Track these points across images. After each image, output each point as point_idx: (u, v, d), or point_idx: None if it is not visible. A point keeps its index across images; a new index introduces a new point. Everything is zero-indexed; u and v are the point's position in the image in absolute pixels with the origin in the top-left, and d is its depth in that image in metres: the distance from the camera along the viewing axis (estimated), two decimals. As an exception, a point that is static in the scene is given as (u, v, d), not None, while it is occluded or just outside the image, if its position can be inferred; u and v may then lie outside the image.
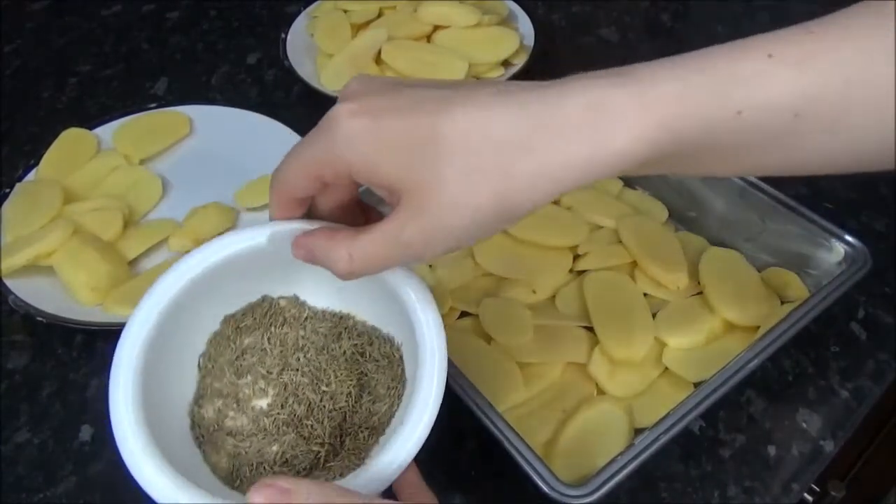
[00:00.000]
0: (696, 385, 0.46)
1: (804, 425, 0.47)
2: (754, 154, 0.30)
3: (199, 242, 0.57)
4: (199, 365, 0.38)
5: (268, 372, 0.38)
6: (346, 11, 0.75)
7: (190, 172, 0.65)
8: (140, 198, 0.61)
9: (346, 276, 0.31)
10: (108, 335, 0.53)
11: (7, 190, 0.60)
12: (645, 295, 0.51)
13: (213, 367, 0.38)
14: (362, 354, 0.39)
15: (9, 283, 0.52)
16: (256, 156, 0.64)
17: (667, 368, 0.47)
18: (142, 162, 0.65)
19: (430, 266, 0.53)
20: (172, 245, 0.57)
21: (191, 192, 0.62)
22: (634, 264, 0.53)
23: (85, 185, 0.61)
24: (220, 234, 0.59)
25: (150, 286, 0.37)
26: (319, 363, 0.38)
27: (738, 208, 0.53)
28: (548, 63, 0.74)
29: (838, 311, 0.53)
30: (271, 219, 0.35)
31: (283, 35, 0.75)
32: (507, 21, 0.75)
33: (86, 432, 0.48)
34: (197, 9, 0.87)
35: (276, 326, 0.39)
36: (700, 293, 0.51)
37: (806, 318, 0.44)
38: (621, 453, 0.39)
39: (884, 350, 0.51)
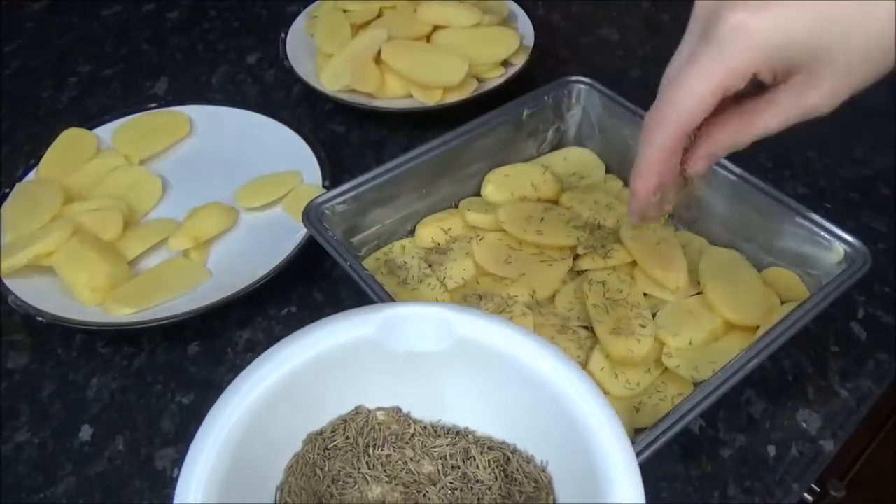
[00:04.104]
0: (696, 385, 0.46)
1: (804, 425, 0.47)
2: None
3: (198, 242, 0.57)
4: (276, 500, 0.30)
5: None
6: (346, 11, 0.75)
7: (190, 172, 0.65)
8: (140, 198, 0.61)
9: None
10: (108, 335, 0.53)
11: (7, 190, 0.60)
12: (645, 295, 0.51)
13: None
14: (506, 476, 0.30)
15: (9, 283, 0.52)
16: (256, 156, 0.64)
17: (667, 368, 0.48)
18: (142, 162, 0.65)
19: (430, 265, 0.53)
20: (172, 245, 0.57)
21: (191, 192, 0.62)
22: (634, 264, 0.53)
23: (85, 185, 0.61)
24: (220, 234, 0.60)
25: (225, 393, 0.29)
26: (435, 496, 0.30)
27: (738, 208, 0.53)
28: (548, 63, 0.74)
29: (838, 311, 0.53)
30: (647, 171, 0.37)
31: (282, 35, 0.74)
32: (507, 21, 0.75)
33: (86, 432, 0.48)
34: (197, 9, 0.87)
35: (375, 448, 0.31)
36: (700, 293, 0.51)
37: (806, 318, 0.44)
38: (621, 453, 0.38)
39: (884, 350, 0.51)
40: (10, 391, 0.51)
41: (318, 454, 0.31)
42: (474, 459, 0.30)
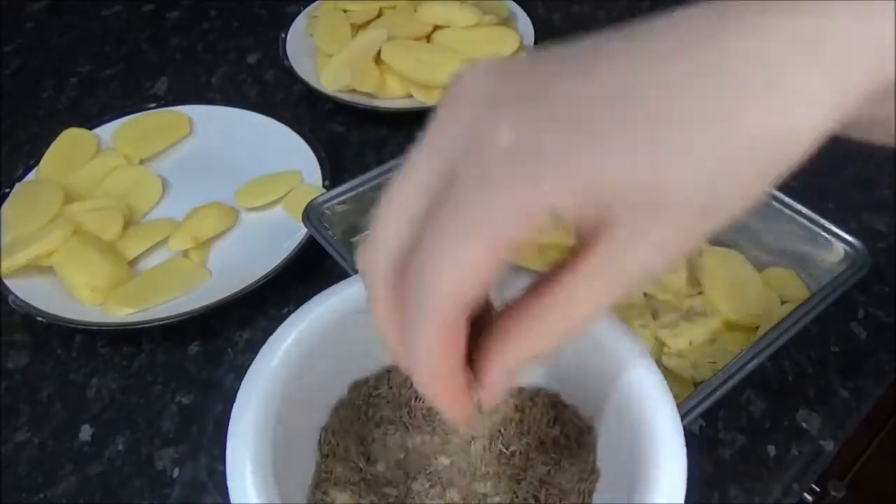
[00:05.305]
0: (696, 385, 0.46)
1: (804, 425, 0.47)
2: None
3: (198, 242, 0.57)
4: (319, 440, 0.32)
5: (406, 457, 0.31)
6: (346, 11, 0.75)
7: (190, 172, 0.65)
8: (140, 198, 0.61)
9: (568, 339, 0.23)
10: (108, 335, 0.53)
11: (7, 190, 0.60)
12: (645, 295, 0.51)
13: (337, 445, 0.31)
14: (554, 423, 0.31)
15: (9, 283, 0.52)
16: (256, 156, 0.64)
17: (667, 368, 0.47)
18: (142, 162, 0.65)
19: (430, 266, 0.53)
20: (172, 245, 0.57)
21: (191, 192, 0.62)
22: (634, 264, 0.53)
23: (85, 185, 0.61)
24: (220, 234, 0.60)
25: (275, 333, 0.30)
26: (478, 452, 0.31)
27: (738, 208, 0.53)
28: (548, 63, 0.74)
29: (838, 311, 0.53)
30: (434, 389, 0.24)
31: (282, 35, 0.75)
32: (507, 21, 0.75)
33: (86, 432, 0.48)
34: (197, 9, 0.87)
35: (417, 400, 0.32)
36: (700, 293, 0.51)
37: (806, 318, 0.44)
38: (621, 453, 0.38)
39: (884, 350, 0.51)
40: (10, 391, 0.51)
41: (363, 400, 0.33)
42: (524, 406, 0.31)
